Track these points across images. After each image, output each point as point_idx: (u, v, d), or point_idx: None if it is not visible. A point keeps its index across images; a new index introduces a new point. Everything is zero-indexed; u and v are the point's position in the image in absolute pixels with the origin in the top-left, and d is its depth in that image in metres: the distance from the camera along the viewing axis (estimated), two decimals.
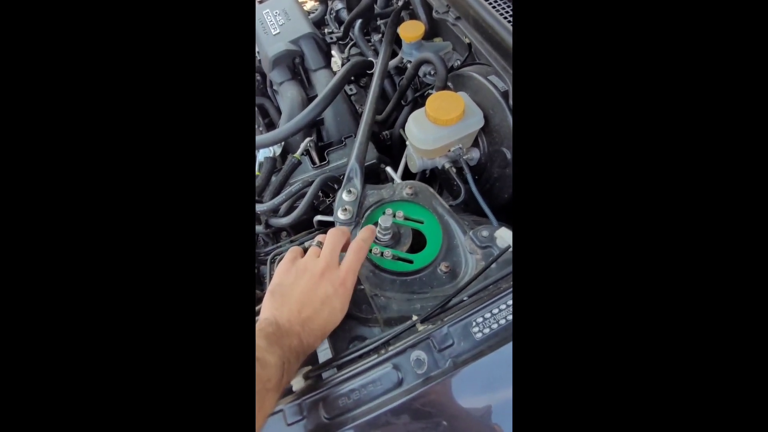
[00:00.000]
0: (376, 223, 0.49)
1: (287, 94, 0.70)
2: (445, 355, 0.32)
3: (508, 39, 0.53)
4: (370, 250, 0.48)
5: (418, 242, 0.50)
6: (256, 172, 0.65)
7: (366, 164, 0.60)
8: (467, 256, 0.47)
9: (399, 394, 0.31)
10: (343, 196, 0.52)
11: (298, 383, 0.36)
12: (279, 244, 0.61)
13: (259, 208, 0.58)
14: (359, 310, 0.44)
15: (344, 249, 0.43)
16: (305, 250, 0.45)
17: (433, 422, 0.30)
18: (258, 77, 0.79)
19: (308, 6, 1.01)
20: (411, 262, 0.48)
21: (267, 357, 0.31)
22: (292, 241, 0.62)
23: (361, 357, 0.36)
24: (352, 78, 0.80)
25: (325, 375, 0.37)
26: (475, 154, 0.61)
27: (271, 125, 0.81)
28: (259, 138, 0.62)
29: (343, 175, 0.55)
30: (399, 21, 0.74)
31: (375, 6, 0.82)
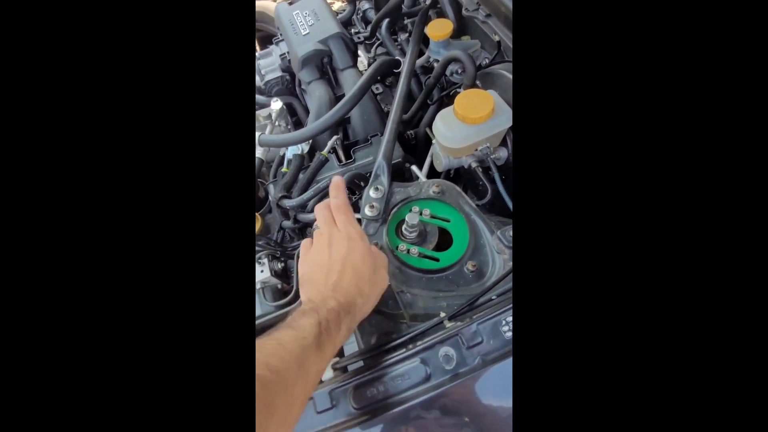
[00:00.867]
0: (402, 222, 0.50)
1: (315, 94, 0.71)
2: (474, 352, 0.32)
3: None
4: (397, 247, 0.49)
5: (445, 240, 0.50)
6: (284, 169, 0.67)
7: (392, 162, 0.61)
8: (494, 256, 0.47)
9: (427, 389, 0.31)
10: (371, 192, 0.52)
11: (327, 373, 0.37)
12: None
13: (288, 203, 0.60)
14: (386, 306, 0.44)
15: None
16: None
17: (461, 418, 0.30)
18: (287, 76, 0.81)
19: (336, 6, 1.02)
20: (437, 260, 0.48)
21: (301, 322, 0.31)
22: None
23: (388, 351, 0.37)
24: (379, 77, 0.80)
25: (352, 367, 0.38)
26: (503, 154, 0.61)
27: (298, 123, 0.82)
28: (288, 136, 0.63)
29: (369, 172, 0.56)
30: (426, 20, 0.74)
31: (402, 5, 0.82)
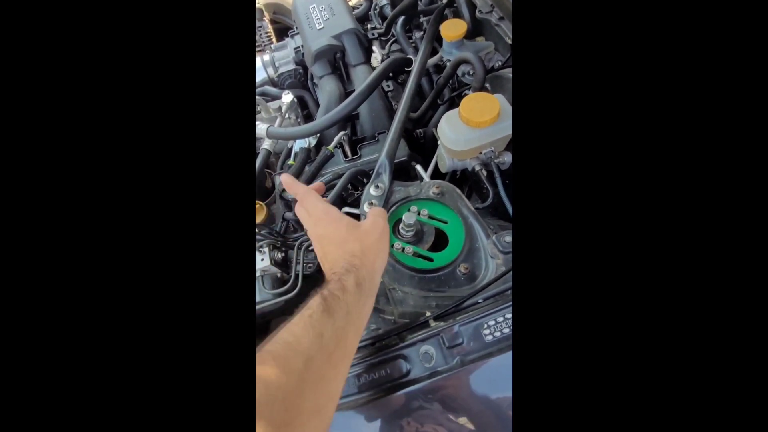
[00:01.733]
0: (400, 221, 0.50)
1: (326, 88, 0.72)
2: (454, 352, 0.33)
3: None
4: (392, 245, 0.50)
5: (441, 241, 0.50)
6: (291, 161, 0.68)
7: (397, 161, 0.62)
8: (488, 260, 0.47)
9: (405, 383, 0.32)
10: (371, 190, 0.53)
11: None
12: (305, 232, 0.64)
13: (290, 196, 0.62)
14: (376, 302, 0.45)
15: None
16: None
17: (434, 412, 0.31)
18: (300, 70, 0.82)
19: (354, 1, 1.03)
20: (431, 260, 0.48)
21: (307, 304, 0.31)
22: None
23: (373, 344, 0.38)
24: (390, 74, 0.81)
25: None
26: (507, 158, 0.60)
27: (309, 116, 0.84)
28: (296, 129, 0.65)
29: (373, 169, 0.57)
30: (442, 19, 0.73)
31: (419, 3, 0.82)
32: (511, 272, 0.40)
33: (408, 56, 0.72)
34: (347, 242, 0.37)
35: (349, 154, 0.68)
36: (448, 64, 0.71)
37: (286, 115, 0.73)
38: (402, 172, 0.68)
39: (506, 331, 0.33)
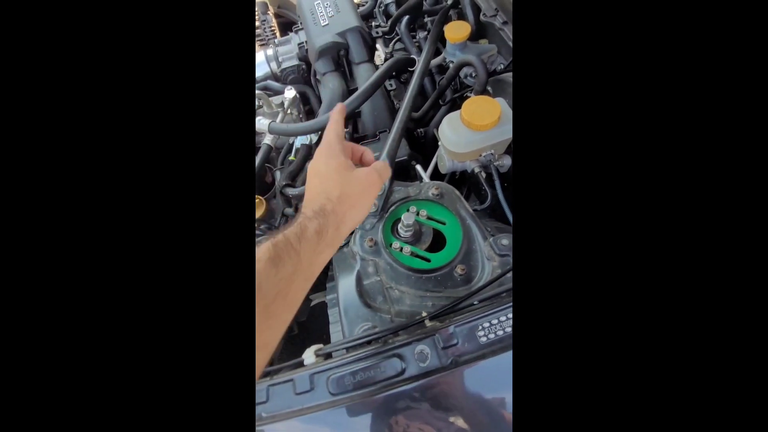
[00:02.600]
0: (398, 220, 0.51)
1: (329, 85, 0.72)
2: (448, 353, 0.33)
3: None
4: (390, 244, 0.50)
5: (438, 242, 0.51)
6: (292, 157, 0.68)
7: (397, 160, 0.62)
8: (484, 262, 0.48)
9: (399, 382, 0.33)
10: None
11: (309, 358, 0.39)
12: None
13: (291, 191, 0.62)
14: (373, 300, 0.46)
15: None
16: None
17: (424, 411, 0.32)
18: (303, 65, 0.82)
19: None
20: (428, 260, 0.49)
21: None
22: None
23: (369, 343, 0.39)
24: (393, 73, 0.81)
25: (335, 355, 0.40)
26: (506, 161, 0.61)
27: (310, 113, 0.84)
28: (297, 126, 0.65)
29: None
30: (446, 20, 0.74)
31: (424, 3, 0.82)
32: (507, 275, 0.41)
33: (411, 56, 0.72)
34: (329, 182, 0.35)
35: None
36: (450, 65, 0.71)
37: (288, 111, 0.73)
38: (402, 171, 0.68)
39: (501, 333, 0.33)
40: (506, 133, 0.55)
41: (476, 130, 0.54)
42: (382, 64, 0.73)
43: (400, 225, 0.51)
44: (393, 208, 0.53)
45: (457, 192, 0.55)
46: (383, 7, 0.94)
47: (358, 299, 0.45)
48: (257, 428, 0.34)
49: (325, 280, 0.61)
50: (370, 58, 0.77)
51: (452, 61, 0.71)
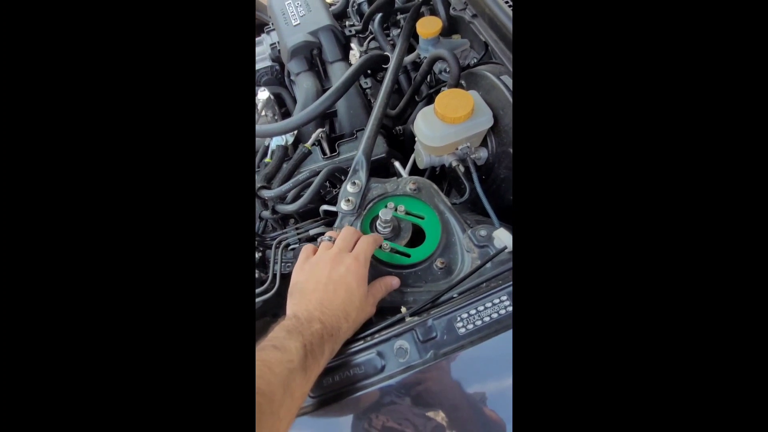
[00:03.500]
0: (377, 217, 0.50)
1: (303, 85, 0.71)
2: (428, 346, 0.33)
3: None
4: None
5: (418, 237, 0.51)
6: (268, 159, 0.67)
7: (375, 158, 0.61)
8: (464, 254, 0.48)
9: (379, 380, 0.32)
10: (348, 187, 0.53)
11: None
12: (285, 230, 0.63)
13: (267, 193, 0.61)
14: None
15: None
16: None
17: (403, 407, 0.31)
18: (277, 66, 0.81)
19: None
20: (408, 255, 0.48)
21: (286, 343, 0.31)
22: (297, 228, 0.64)
23: (349, 341, 0.38)
24: (369, 72, 0.80)
25: None
26: (483, 154, 0.61)
27: (287, 114, 0.83)
28: (272, 126, 0.64)
29: (351, 167, 0.56)
30: (418, 16, 0.74)
31: (396, 0, 0.82)
32: (484, 266, 0.41)
33: (385, 53, 0.72)
34: (356, 306, 0.38)
35: (327, 151, 0.67)
36: (425, 60, 0.71)
37: (263, 113, 0.72)
38: (381, 169, 0.68)
39: (479, 323, 0.33)
40: (480, 125, 0.55)
41: (450, 123, 0.54)
42: (355, 63, 0.73)
43: (378, 222, 0.50)
44: (370, 205, 0.53)
45: (435, 186, 0.54)
46: (356, 6, 0.94)
47: None
48: None
49: None
50: (344, 57, 0.76)
51: (425, 57, 0.71)
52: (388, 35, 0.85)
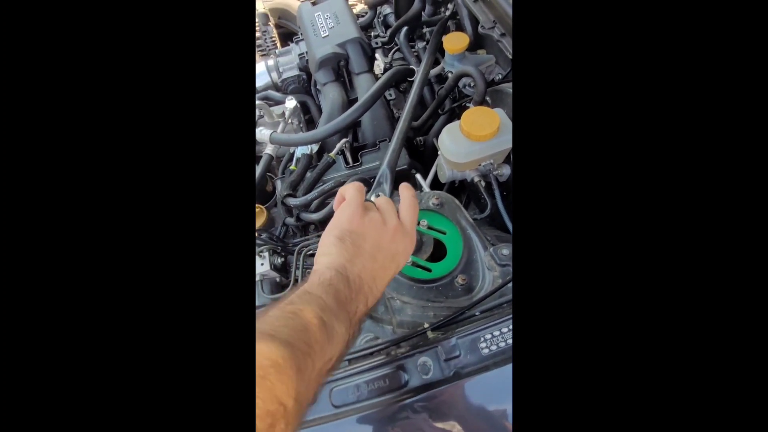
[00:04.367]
0: None
1: (329, 96, 0.73)
2: (451, 365, 0.33)
3: None
4: None
5: (439, 252, 0.51)
6: (293, 167, 0.69)
7: (397, 169, 0.63)
8: (485, 272, 0.48)
9: (403, 394, 0.33)
10: (372, 199, 0.54)
11: None
12: (307, 237, 0.65)
13: (293, 202, 0.62)
14: (375, 311, 0.46)
15: None
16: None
17: (423, 422, 0.32)
18: (304, 75, 0.83)
19: (358, 8, 1.04)
20: (429, 270, 0.49)
21: (335, 325, 0.28)
22: (319, 236, 0.65)
23: (372, 354, 0.39)
24: (393, 83, 0.82)
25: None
26: (506, 171, 0.62)
27: (310, 122, 0.85)
28: (299, 136, 0.66)
29: (374, 177, 0.57)
30: (444, 31, 0.75)
31: (422, 14, 0.84)
32: (508, 285, 0.41)
33: (411, 67, 0.73)
34: (386, 280, 0.35)
35: (350, 161, 0.69)
36: (449, 75, 0.72)
37: (289, 121, 0.74)
38: (401, 180, 0.69)
39: (503, 344, 0.33)
40: (505, 143, 0.56)
41: (475, 140, 0.54)
42: (381, 74, 0.74)
43: None
44: None
45: (457, 201, 0.55)
46: (382, 18, 0.96)
47: None
48: None
49: None
50: (370, 69, 0.78)
51: (451, 72, 0.72)
52: (413, 48, 0.86)
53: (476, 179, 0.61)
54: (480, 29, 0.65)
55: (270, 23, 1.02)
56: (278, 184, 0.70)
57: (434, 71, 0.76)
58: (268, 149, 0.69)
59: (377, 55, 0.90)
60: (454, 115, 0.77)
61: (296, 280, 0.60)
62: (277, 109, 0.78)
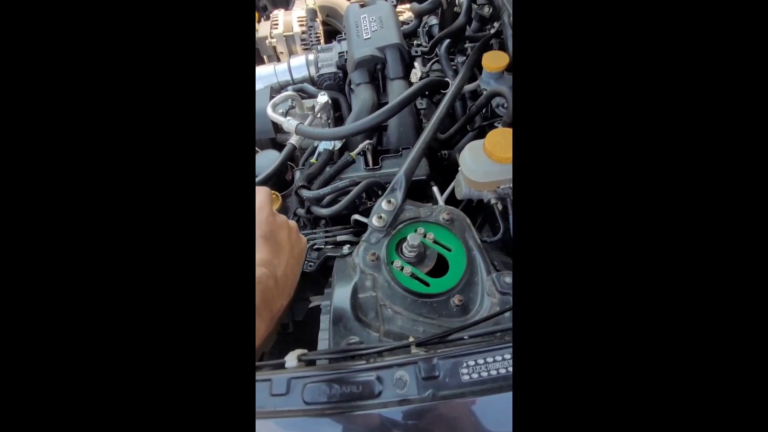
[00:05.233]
0: (404, 239, 0.51)
1: (361, 96, 0.74)
2: (428, 385, 0.32)
3: None
4: (392, 262, 0.50)
5: (440, 268, 0.50)
6: (313, 160, 0.70)
7: (415, 179, 0.62)
8: (484, 297, 0.47)
9: (373, 405, 0.32)
10: (383, 204, 0.54)
11: (290, 361, 0.39)
12: (315, 231, 0.65)
13: (306, 194, 0.63)
14: (365, 315, 0.46)
15: None
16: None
17: None
18: (340, 74, 0.85)
19: (404, 16, 1.05)
20: (427, 284, 0.48)
21: (258, 323, 0.31)
22: (326, 232, 0.65)
23: (353, 358, 0.38)
24: (426, 93, 0.81)
25: (319, 363, 0.40)
26: None
27: (340, 119, 0.86)
28: (324, 131, 0.66)
29: (389, 183, 0.57)
30: (486, 48, 0.74)
31: (467, 29, 0.83)
32: (502, 315, 0.40)
33: (445, 79, 0.73)
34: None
35: (370, 163, 0.69)
36: (484, 93, 0.71)
37: (318, 115, 0.75)
38: (418, 190, 0.68)
39: (484, 375, 0.32)
40: None
41: (497, 161, 0.53)
42: (415, 84, 0.74)
43: (405, 244, 0.50)
44: (401, 226, 0.53)
45: (468, 220, 0.54)
46: (427, 28, 0.96)
47: (350, 311, 0.45)
48: None
49: (324, 284, 0.62)
50: (406, 76, 0.78)
51: (485, 90, 0.71)
52: (452, 61, 0.86)
53: (493, 201, 0.59)
54: None
55: (317, 19, 1.05)
56: (297, 174, 0.71)
57: (469, 87, 0.75)
58: (293, 139, 0.70)
59: (416, 64, 0.91)
60: (483, 133, 0.76)
61: (304, 273, 0.61)
62: (308, 102, 0.80)
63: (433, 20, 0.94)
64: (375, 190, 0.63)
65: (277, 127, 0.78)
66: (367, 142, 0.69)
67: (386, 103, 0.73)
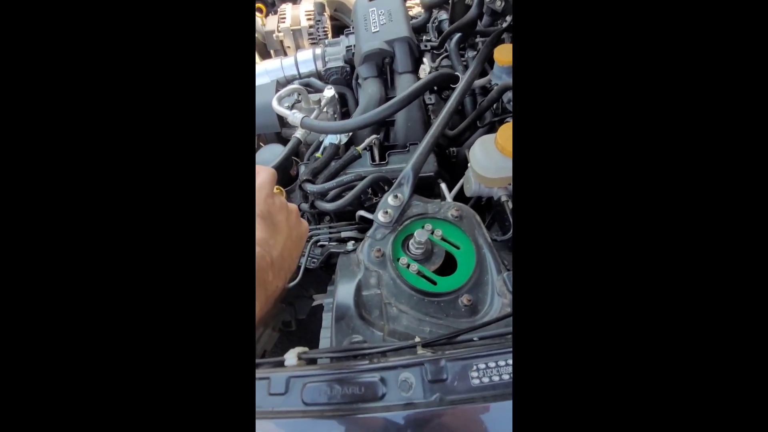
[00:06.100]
0: (411, 236, 0.49)
1: (368, 90, 0.72)
2: (434, 388, 0.30)
3: None
4: (398, 259, 0.48)
5: (448, 266, 0.48)
6: (318, 154, 0.68)
7: (423, 175, 0.60)
8: (494, 297, 0.45)
9: (375, 408, 0.30)
10: (389, 199, 0.52)
11: (290, 360, 0.37)
12: (318, 227, 0.64)
13: (310, 188, 0.61)
14: (369, 313, 0.44)
15: None
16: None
17: None
18: (348, 68, 0.83)
19: (414, 11, 1.03)
20: (435, 283, 0.46)
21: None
22: (331, 227, 0.64)
23: (355, 357, 0.36)
24: (435, 88, 0.80)
25: (321, 362, 0.38)
26: None
27: (346, 114, 0.84)
28: (329, 124, 0.65)
29: (396, 178, 0.55)
30: (498, 42, 0.72)
31: (478, 23, 0.81)
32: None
33: (455, 73, 0.71)
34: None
35: (377, 158, 0.67)
36: (495, 88, 0.69)
37: (324, 109, 0.73)
38: (426, 188, 0.66)
39: (496, 378, 0.30)
40: None
41: (509, 156, 0.51)
42: (424, 77, 0.72)
43: (411, 241, 0.48)
44: (408, 222, 0.51)
45: (478, 217, 0.52)
46: (437, 23, 0.94)
47: (354, 309, 0.43)
48: None
49: (328, 281, 0.60)
50: (414, 70, 0.76)
51: (497, 84, 0.69)
52: (462, 55, 0.84)
53: (504, 198, 0.57)
54: None
55: (325, 13, 1.03)
56: (302, 168, 0.70)
57: (480, 82, 0.73)
58: (298, 133, 0.69)
59: (425, 59, 0.89)
60: (494, 130, 0.73)
61: (299, 267, 0.59)
62: (314, 97, 0.78)
63: (443, 15, 0.92)
64: (381, 185, 0.62)
65: (282, 121, 0.77)
66: (374, 136, 0.67)
67: (394, 97, 0.72)
